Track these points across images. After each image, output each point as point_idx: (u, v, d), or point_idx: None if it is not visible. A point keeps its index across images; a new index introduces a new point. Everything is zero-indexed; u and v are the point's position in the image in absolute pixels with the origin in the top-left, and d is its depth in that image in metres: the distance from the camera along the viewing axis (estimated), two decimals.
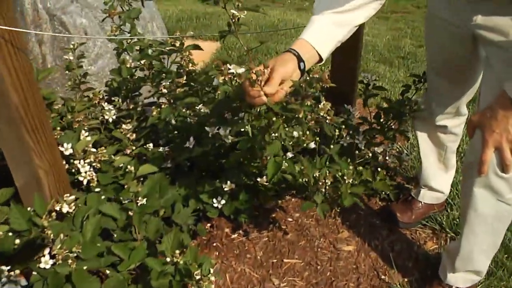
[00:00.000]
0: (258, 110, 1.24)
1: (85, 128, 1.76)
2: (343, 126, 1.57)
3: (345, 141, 1.70)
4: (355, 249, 1.72)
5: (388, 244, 1.77)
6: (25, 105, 1.24)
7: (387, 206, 1.97)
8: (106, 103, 1.85)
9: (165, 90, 1.64)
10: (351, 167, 1.41)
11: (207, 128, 1.45)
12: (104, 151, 1.51)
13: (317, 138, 1.63)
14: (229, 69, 1.12)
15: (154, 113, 1.66)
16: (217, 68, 1.17)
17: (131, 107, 1.80)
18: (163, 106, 1.68)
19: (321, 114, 1.13)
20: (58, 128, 1.72)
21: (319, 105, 1.15)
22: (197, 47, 1.71)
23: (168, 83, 1.63)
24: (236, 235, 1.73)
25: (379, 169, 1.90)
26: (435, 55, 1.56)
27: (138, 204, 1.40)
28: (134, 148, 1.66)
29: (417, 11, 7.98)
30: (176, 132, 1.70)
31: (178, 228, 1.63)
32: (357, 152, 1.57)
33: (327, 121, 1.12)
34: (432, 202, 1.91)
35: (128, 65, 1.87)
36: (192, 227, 1.64)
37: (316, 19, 1.22)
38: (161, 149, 1.68)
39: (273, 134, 1.30)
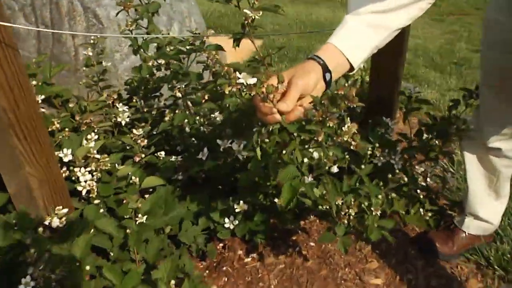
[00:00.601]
0: (271, 128, 1.06)
1: (95, 131, 1.64)
2: (377, 145, 1.37)
3: (379, 161, 1.49)
4: (384, 283, 1.51)
5: (424, 278, 1.55)
6: (15, 108, 1.12)
7: (425, 233, 1.74)
8: (121, 104, 1.72)
9: (179, 94, 1.48)
10: (380, 196, 1.20)
11: (218, 141, 1.29)
12: (107, 159, 1.37)
13: (347, 156, 1.43)
14: (238, 78, 0.94)
15: (167, 118, 1.51)
16: (225, 77, 1.00)
17: (145, 110, 1.66)
18: (177, 111, 1.53)
19: (345, 138, 0.93)
20: (67, 130, 1.61)
21: (343, 127, 0.95)
22: (219, 48, 1.55)
23: (183, 86, 1.47)
24: (249, 259, 1.56)
25: (418, 191, 1.69)
26: (492, 68, 1.33)
27: (137, 222, 1.26)
28: (143, 156, 1.51)
29: (476, 12, 7.51)
30: (193, 140, 1.54)
31: (186, 247, 1.48)
32: (390, 175, 1.37)
33: (352, 147, 0.93)
34: (478, 233, 1.68)
35: (150, 63, 1.73)
36: (202, 246, 1.49)
37: (349, 20, 1.02)
38: (173, 158, 1.53)
39: (288, 155, 1.12)
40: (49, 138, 1.25)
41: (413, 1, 1.02)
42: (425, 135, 1.56)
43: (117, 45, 2.95)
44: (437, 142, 1.55)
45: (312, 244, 1.63)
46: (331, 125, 0.96)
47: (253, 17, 1.01)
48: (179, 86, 1.47)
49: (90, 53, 1.90)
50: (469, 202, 1.65)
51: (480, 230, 1.67)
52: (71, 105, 1.84)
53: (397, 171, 1.43)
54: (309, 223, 1.72)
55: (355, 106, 1.63)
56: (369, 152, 1.38)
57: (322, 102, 0.96)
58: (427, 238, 1.70)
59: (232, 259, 1.54)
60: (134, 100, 1.81)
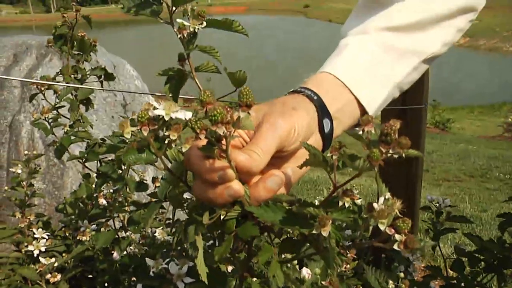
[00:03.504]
0: (222, 217, 0.54)
1: None
2: (402, 275, 0.88)
3: None
4: None
5: None
6: None
7: None
8: (40, 229, 1.25)
9: (104, 201, 1.02)
10: None
11: (148, 261, 0.80)
12: None
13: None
14: (155, 108, 0.51)
15: (85, 237, 1.03)
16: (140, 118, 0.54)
17: (67, 233, 1.19)
18: (103, 228, 1.06)
19: (382, 225, 0.44)
20: None
21: (374, 204, 0.46)
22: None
23: (110, 192, 1.03)
24: None
25: None
26: None
27: None
28: None
29: (471, 180, 7.33)
30: (123, 274, 1.04)
31: None
32: None
33: (399, 246, 0.42)
34: None
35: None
36: None
37: (351, 41, 0.64)
38: None
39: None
40: None
41: (450, 16, 0.65)
42: (467, 269, 1.06)
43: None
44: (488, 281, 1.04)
45: None
46: (348, 205, 0.48)
47: (194, 30, 0.62)
48: (105, 192, 1.02)
49: (19, 171, 1.49)
50: None
51: None
52: None
53: None
54: None
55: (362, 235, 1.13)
56: (391, 286, 0.87)
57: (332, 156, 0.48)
58: None
59: None
60: (61, 230, 1.35)
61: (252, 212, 0.48)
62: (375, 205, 0.45)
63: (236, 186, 0.46)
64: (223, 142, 0.43)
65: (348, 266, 1.03)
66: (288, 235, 0.60)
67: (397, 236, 0.44)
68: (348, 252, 0.83)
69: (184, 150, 0.50)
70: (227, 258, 0.57)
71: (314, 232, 0.45)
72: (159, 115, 0.49)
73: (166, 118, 0.50)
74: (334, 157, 0.47)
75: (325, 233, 0.45)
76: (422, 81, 1.41)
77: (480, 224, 3.65)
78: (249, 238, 0.51)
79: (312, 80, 0.59)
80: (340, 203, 0.48)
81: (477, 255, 1.04)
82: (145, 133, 0.48)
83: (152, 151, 0.51)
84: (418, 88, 1.39)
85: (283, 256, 0.57)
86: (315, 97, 0.56)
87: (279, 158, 0.51)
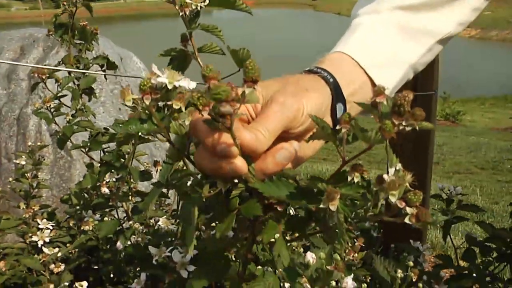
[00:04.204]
0: (225, 190, 0.51)
1: None
2: (411, 263, 0.86)
3: None
4: None
5: None
6: None
7: None
8: (44, 220, 1.24)
9: (106, 190, 1.01)
10: None
11: (151, 249, 0.78)
12: None
13: (364, 286, 0.90)
14: (158, 76, 0.48)
15: (87, 227, 1.01)
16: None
17: (71, 224, 1.18)
18: (106, 218, 1.04)
19: (393, 197, 0.41)
20: None
21: (385, 175, 0.43)
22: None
23: (113, 180, 1.01)
24: None
25: None
26: None
27: None
28: (52, 287, 0.98)
29: (482, 172, 7.26)
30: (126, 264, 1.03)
31: None
32: None
33: (409, 220, 0.40)
34: None
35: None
36: None
37: (364, 20, 0.62)
38: None
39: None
40: None
41: None
42: (479, 258, 1.03)
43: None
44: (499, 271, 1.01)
45: None
46: (357, 180, 0.45)
47: (197, 8, 0.60)
48: (107, 180, 1.00)
49: (23, 162, 1.49)
50: None
51: None
52: None
53: None
54: None
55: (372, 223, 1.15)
56: (399, 275, 0.85)
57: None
58: None
59: None
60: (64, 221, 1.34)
61: (257, 188, 0.46)
62: (385, 176, 0.42)
63: (239, 163, 0.44)
64: (228, 118, 0.42)
65: (356, 255, 1.01)
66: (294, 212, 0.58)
67: (408, 209, 0.42)
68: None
69: (187, 123, 0.48)
70: (230, 241, 0.55)
71: (321, 206, 0.43)
72: (162, 83, 0.47)
73: (170, 87, 0.48)
74: (343, 130, 0.45)
75: (333, 207, 0.43)
76: (432, 68, 1.38)
77: (491, 216, 3.61)
78: (251, 217, 0.49)
79: (327, 60, 0.57)
80: (349, 178, 0.46)
81: (489, 244, 1.01)
82: (147, 102, 0.46)
83: (154, 122, 0.49)
84: (429, 75, 1.36)
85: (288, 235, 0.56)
86: (331, 79, 0.54)
87: (286, 138, 0.49)
